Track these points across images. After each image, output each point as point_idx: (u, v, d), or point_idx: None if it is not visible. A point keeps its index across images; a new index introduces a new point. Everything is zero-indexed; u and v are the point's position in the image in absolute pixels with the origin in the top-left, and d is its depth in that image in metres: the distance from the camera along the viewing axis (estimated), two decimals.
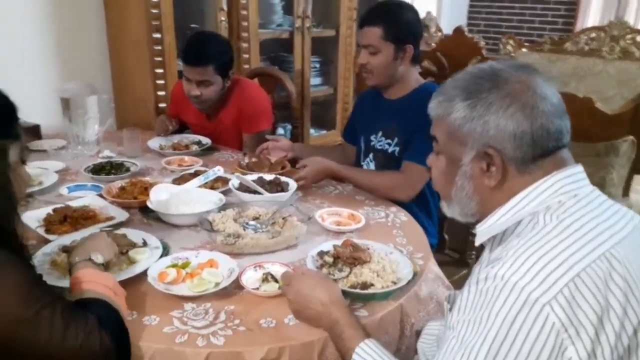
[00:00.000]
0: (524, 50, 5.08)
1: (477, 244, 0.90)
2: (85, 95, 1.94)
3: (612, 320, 0.70)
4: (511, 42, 5.14)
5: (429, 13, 4.56)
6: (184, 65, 2.01)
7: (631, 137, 1.98)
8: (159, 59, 2.36)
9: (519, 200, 0.82)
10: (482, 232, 0.88)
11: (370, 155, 1.84)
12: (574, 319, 0.68)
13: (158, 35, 2.31)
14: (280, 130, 2.88)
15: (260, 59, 2.92)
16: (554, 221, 0.76)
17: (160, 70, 2.37)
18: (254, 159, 1.87)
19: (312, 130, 3.19)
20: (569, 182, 0.81)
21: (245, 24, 2.62)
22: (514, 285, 0.70)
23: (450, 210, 0.94)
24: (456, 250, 2.12)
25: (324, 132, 3.33)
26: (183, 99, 2.15)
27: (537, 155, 0.81)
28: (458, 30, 2.26)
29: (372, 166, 1.84)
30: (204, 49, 1.98)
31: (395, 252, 1.27)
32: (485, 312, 0.72)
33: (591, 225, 0.75)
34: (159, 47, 2.34)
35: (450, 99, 0.85)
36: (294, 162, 1.89)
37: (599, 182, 2.03)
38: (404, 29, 1.71)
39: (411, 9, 1.75)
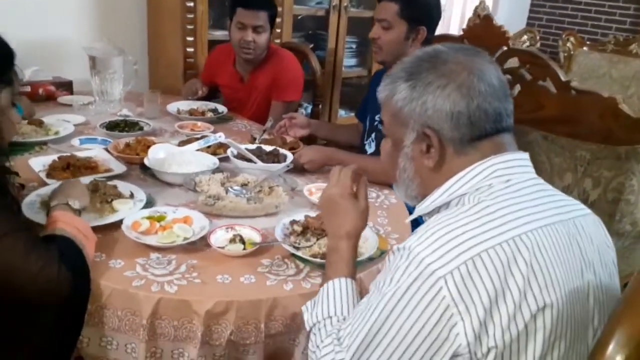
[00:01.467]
0: (584, 48, 4.84)
1: (407, 221, 0.91)
2: (112, 55, 2.03)
3: (507, 302, 0.70)
4: (572, 39, 4.91)
5: (482, 2, 4.41)
6: (240, 10, 2.10)
7: None
8: (191, 27, 2.43)
9: (454, 182, 0.82)
10: (418, 212, 0.89)
11: (373, 135, 1.85)
12: (466, 296, 0.69)
13: (191, 4, 2.38)
14: (300, 110, 2.92)
15: (296, 36, 2.95)
16: (473, 202, 0.77)
17: (190, 38, 2.44)
18: (270, 136, 1.90)
19: (341, 112, 3.20)
20: (503, 167, 0.80)
21: None
22: (416, 255, 0.72)
23: (398, 192, 0.96)
24: None
25: (353, 114, 3.32)
26: (220, 62, 2.29)
27: (475, 136, 0.81)
28: (486, 18, 2.19)
29: (372, 146, 1.84)
30: None
31: (367, 229, 1.28)
32: (388, 277, 0.75)
33: (509, 210, 0.75)
34: (192, 16, 2.41)
35: (394, 80, 0.87)
36: (310, 140, 1.93)
37: (617, 187, 1.94)
38: (421, 9, 1.71)
39: None
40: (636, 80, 4.71)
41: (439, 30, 1.91)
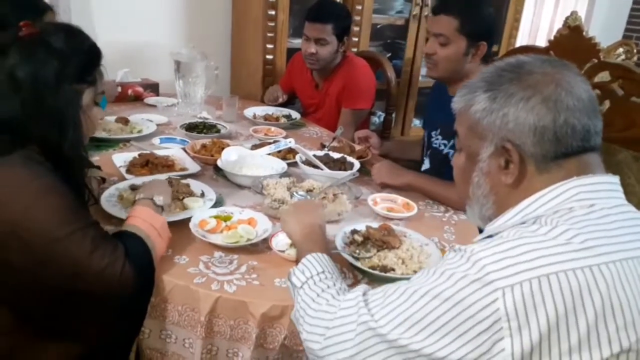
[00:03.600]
0: None
1: (474, 240, 0.86)
2: (196, 60, 2.13)
3: (570, 334, 0.64)
4: None
5: (574, 13, 4.17)
6: (306, 23, 2.18)
7: None
8: (271, 34, 2.49)
9: (532, 202, 0.77)
10: (488, 232, 0.84)
11: (428, 152, 1.79)
12: (522, 315, 0.64)
13: (272, 12, 2.45)
14: (374, 119, 2.90)
15: (374, 44, 2.94)
16: (551, 225, 0.71)
17: (270, 46, 2.51)
18: (339, 144, 1.90)
19: (415, 121, 3.14)
20: (588, 189, 0.74)
21: (359, 7, 2.65)
22: (478, 260, 0.68)
23: (471, 213, 0.91)
24: None
25: None
26: (298, 69, 2.36)
27: (560, 153, 0.75)
28: (576, 29, 2.07)
29: (427, 164, 1.78)
30: (325, 8, 2.16)
31: (432, 245, 1.25)
32: (442, 269, 0.72)
33: (591, 237, 0.69)
34: (272, 24, 2.47)
35: (473, 90, 0.82)
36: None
37: None
38: (482, 24, 1.62)
39: (490, 4, 1.65)
40: None
41: (524, 42, 1.81)
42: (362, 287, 0.86)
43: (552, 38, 2.22)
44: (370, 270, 1.12)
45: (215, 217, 1.26)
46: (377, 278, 1.12)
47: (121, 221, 1.15)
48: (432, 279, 0.72)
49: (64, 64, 0.96)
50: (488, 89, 0.80)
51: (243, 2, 2.66)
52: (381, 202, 1.49)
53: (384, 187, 1.60)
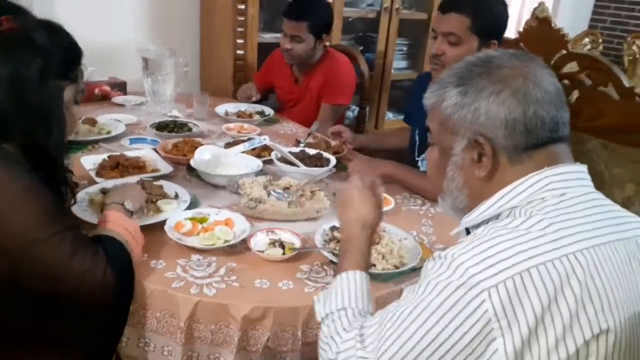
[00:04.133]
0: None
1: (452, 233, 0.87)
2: (164, 57, 2.08)
3: (555, 323, 0.65)
4: (638, 42, 4.65)
5: (541, 4, 4.24)
6: (283, 18, 2.17)
7: None
8: (241, 29, 2.45)
9: (505, 194, 0.78)
10: (464, 224, 0.84)
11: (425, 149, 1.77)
12: (510, 312, 0.65)
13: (242, 7, 2.40)
14: (347, 113, 2.89)
15: (345, 38, 2.93)
16: (524, 216, 0.72)
17: (241, 41, 2.47)
18: (314, 140, 1.89)
19: (389, 114, 3.15)
20: (558, 179, 0.75)
21: (330, 0, 2.63)
22: (460, 264, 0.68)
23: (444, 205, 0.91)
24: None
25: (402, 117, 3.25)
26: (278, 63, 2.34)
27: (531, 144, 0.76)
28: (544, 21, 2.09)
29: (425, 165, 1.77)
30: (302, 6, 2.14)
31: (410, 238, 1.25)
32: (426, 282, 0.72)
33: (564, 225, 0.70)
34: (242, 18, 2.43)
35: (443, 86, 0.83)
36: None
37: None
38: (495, 22, 1.55)
39: (503, 1, 1.59)
40: None
41: None
42: (358, 324, 0.81)
43: (520, 29, 2.24)
44: None
45: (191, 219, 1.23)
46: None
47: (92, 226, 1.12)
48: (419, 295, 0.72)
49: (47, 60, 0.93)
50: (459, 84, 0.80)
51: None
52: None
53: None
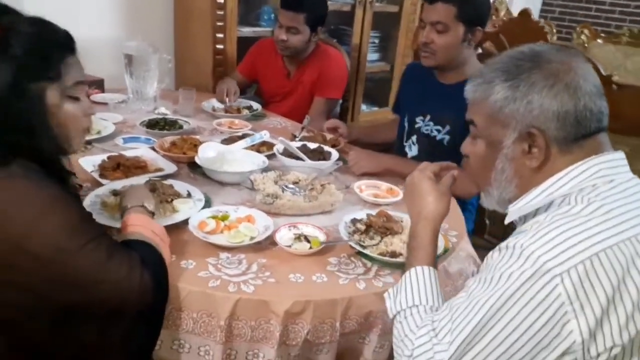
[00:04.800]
0: (598, 41, 4.83)
1: (506, 222, 0.90)
2: (148, 54, 2.02)
3: (625, 302, 0.70)
4: (586, 31, 4.89)
5: None
6: (280, 9, 2.14)
7: None
8: (221, 23, 2.41)
9: (555, 181, 0.81)
10: (514, 212, 0.88)
11: (414, 138, 1.80)
12: (582, 295, 0.69)
13: (221, 1, 2.36)
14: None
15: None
16: (584, 202, 0.76)
17: (220, 35, 2.43)
18: (309, 133, 1.89)
19: (363, 106, 3.18)
20: (606, 167, 0.80)
21: None
22: (531, 253, 0.72)
23: (489, 198, 0.93)
24: (496, 237, 2.09)
25: (376, 108, 3.31)
26: (264, 56, 2.30)
27: (580, 135, 0.80)
28: (524, 13, 2.18)
29: (414, 150, 1.81)
30: None
31: None
32: (497, 273, 0.74)
33: (621, 211, 0.75)
34: (221, 12, 2.39)
35: (489, 80, 0.85)
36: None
37: None
38: (479, 9, 1.63)
39: None
40: None
41: None
42: (429, 319, 0.83)
43: (499, 22, 2.32)
44: (380, 257, 1.14)
45: (213, 217, 1.21)
46: (388, 264, 1.14)
47: (111, 230, 1.10)
48: (492, 286, 0.74)
49: (19, 66, 0.86)
50: (507, 78, 0.83)
51: None
52: (366, 189, 1.51)
53: (363, 175, 1.61)
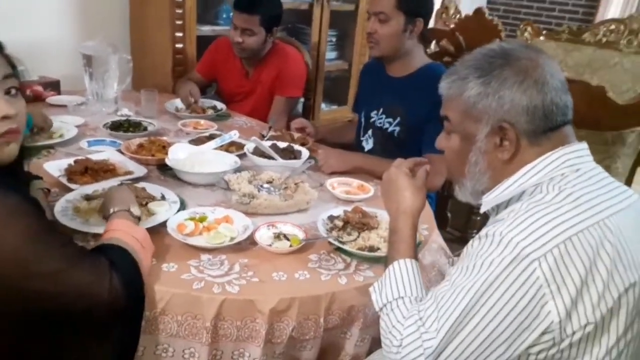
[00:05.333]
0: (541, 38, 5.05)
1: (482, 211, 0.95)
2: (107, 54, 1.97)
3: (596, 282, 0.76)
4: (529, 29, 5.10)
5: None
6: (234, 10, 2.13)
7: (639, 129, 2.00)
8: (180, 22, 2.37)
9: (526, 172, 0.86)
10: (488, 202, 0.92)
11: (369, 132, 1.85)
12: (558, 277, 0.74)
13: None
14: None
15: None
16: (555, 190, 0.81)
17: (179, 34, 2.39)
18: (277, 132, 1.89)
19: (323, 105, 3.21)
20: (573, 157, 0.85)
21: None
22: (510, 240, 0.76)
23: (463, 190, 0.97)
24: (458, 229, 2.17)
25: (335, 107, 3.35)
26: (223, 56, 2.29)
27: (547, 128, 0.86)
28: (478, 12, 2.27)
29: (370, 143, 1.85)
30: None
31: None
32: (479, 261, 0.79)
33: (589, 197, 0.81)
34: (180, 11, 2.35)
35: (463, 77, 0.89)
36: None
37: (604, 170, 2.07)
38: (418, 1, 1.71)
39: None
40: (589, 68, 4.96)
41: None
42: (415, 310, 0.86)
43: (455, 20, 2.40)
44: (359, 252, 1.17)
45: (191, 219, 1.20)
46: (366, 258, 1.17)
47: (84, 235, 1.09)
48: (475, 274, 0.79)
49: None
50: (480, 75, 0.87)
51: None
52: (338, 186, 1.53)
53: (332, 174, 1.64)
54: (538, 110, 0.84)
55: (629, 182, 2.15)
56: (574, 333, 0.76)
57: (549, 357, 0.79)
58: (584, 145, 0.90)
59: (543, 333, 0.76)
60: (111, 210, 1.07)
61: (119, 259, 0.95)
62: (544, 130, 0.86)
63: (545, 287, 0.74)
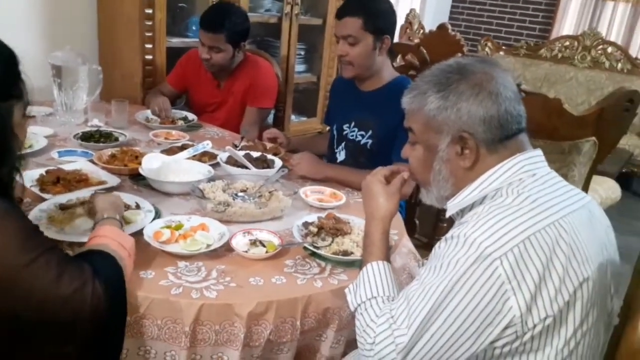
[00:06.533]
0: (500, 53, 5.28)
1: (447, 215, 1.00)
2: (77, 64, 1.96)
3: (553, 278, 0.81)
4: (489, 44, 5.34)
5: (412, 10, 4.68)
6: (200, 29, 2.16)
7: (593, 139, 2.12)
8: (149, 34, 2.38)
9: (486, 178, 0.92)
10: (452, 206, 0.98)
11: (342, 144, 1.90)
12: (518, 274, 0.80)
13: (150, 11, 2.34)
14: None
15: (248, 42, 2.97)
16: (514, 194, 0.88)
17: (149, 46, 2.40)
18: (249, 142, 1.92)
19: (292, 117, 3.26)
20: (528, 162, 0.92)
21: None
22: (473, 241, 0.82)
23: (429, 196, 1.03)
24: (425, 236, 2.24)
25: (304, 118, 3.40)
26: (194, 67, 2.31)
27: (504, 136, 0.92)
28: (442, 27, 2.37)
29: (343, 155, 1.91)
30: (218, 18, 2.13)
31: None
32: (446, 261, 0.84)
33: (545, 199, 0.87)
34: (150, 23, 2.37)
35: (423, 92, 0.95)
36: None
37: (562, 177, 2.17)
38: (383, 19, 1.76)
39: (387, 0, 1.81)
40: (546, 81, 5.22)
41: None
42: (387, 309, 0.91)
43: (420, 35, 2.50)
44: (334, 256, 1.21)
45: (167, 227, 1.22)
46: (341, 262, 1.21)
47: (60, 243, 1.10)
48: (442, 273, 0.84)
49: None
50: (439, 89, 0.94)
51: (111, 1, 2.49)
52: (311, 194, 1.57)
53: (302, 178, 1.68)
54: (494, 119, 0.90)
55: (585, 189, 2.27)
56: (534, 326, 0.81)
57: (513, 350, 0.84)
58: (539, 152, 0.96)
59: (506, 327, 0.81)
60: (104, 216, 1.07)
61: (103, 266, 0.95)
62: (501, 139, 0.92)
63: (506, 284, 0.79)
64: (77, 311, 0.89)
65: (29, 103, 0.98)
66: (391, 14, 1.80)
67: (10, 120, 0.90)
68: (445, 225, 2.21)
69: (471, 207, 0.95)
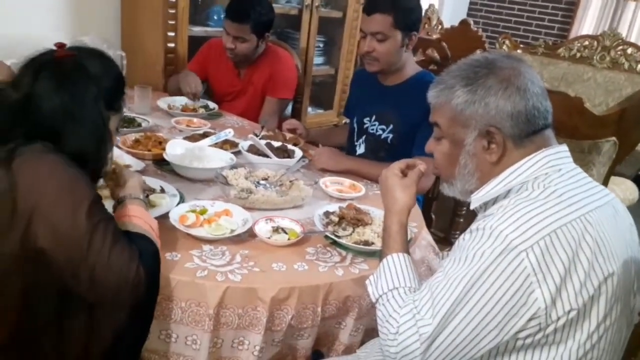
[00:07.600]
0: (518, 51, 5.23)
1: (471, 207, 1.01)
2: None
3: (578, 272, 0.82)
4: (507, 42, 5.28)
5: (431, 5, 4.66)
6: (225, 19, 2.18)
7: (614, 139, 2.11)
8: (172, 22, 2.40)
9: (512, 172, 0.93)
10: (477, 199, 0.99)
11: (363, 138, 1.91)
12: (544, 266, 0.80)
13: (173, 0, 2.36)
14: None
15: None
16: (541, 188, 0.88)
17: (172, 34, 2.42)
18: (269, 132, 1.94)
19: (309, 109, 3.27)
20: (555, 157, 0.92)
21: None
22: (500, 233, 0.82)
23: (452, 189, 1.03)
24: (442, 230, 2.25)
25: (321, 111, 3.41)
26: (215, 56, 2.33)
27: (530, 132, 0.92)
28: (464, 23, 2.36)
29: (362, 148, 1.91)
30: (244, 8, 2.14)
31: None
32: (471, 252, 0.85)
33: (571, 194, 0.88)
34: (173, 11, 2.38)
35: (450, 86, 0.96)
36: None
37: None
38: (413, 16, 1.75)
39: None
40: (564, 81, 5.16)
41: None
42: (410, 299, 0.92)
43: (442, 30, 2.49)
44: (355, 246, 1.22)
45: (192, 211, 1.24)
46: (362, 252, 1.22)
47: None
48: (467, 264, 0.84)
49: (99, 89, 0.99)
50: (467, 83, 0.94)
51: None
52: (331, 184, 1.59)
53: (324, 172, 1.69)
54: (521, 115, 0.91)
55: None
56: (558, 319, 0.82)
57: (535, 342, 0.85)
58: (565, 147, 0.97)
59: (530, 319, 0.82)
60: (133, 195, 1.10)
61: (146, 249, 0.99)
62: (527, 134, 0.92)
63: (532, 276, 0.80)
64: (120, 285, 0.92)
65: (123, 120, 1.09)
66: (420, 10, 1.79)
67: (107, 123, 1.02)
68: (462, 220, 2.22)
69: (495, 200, 0.96)
